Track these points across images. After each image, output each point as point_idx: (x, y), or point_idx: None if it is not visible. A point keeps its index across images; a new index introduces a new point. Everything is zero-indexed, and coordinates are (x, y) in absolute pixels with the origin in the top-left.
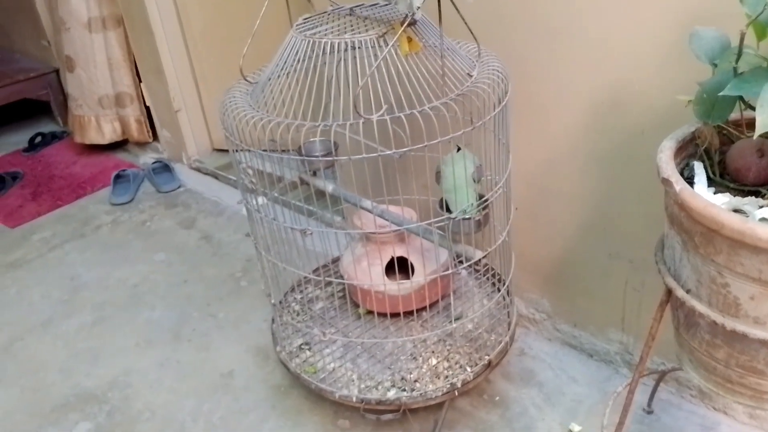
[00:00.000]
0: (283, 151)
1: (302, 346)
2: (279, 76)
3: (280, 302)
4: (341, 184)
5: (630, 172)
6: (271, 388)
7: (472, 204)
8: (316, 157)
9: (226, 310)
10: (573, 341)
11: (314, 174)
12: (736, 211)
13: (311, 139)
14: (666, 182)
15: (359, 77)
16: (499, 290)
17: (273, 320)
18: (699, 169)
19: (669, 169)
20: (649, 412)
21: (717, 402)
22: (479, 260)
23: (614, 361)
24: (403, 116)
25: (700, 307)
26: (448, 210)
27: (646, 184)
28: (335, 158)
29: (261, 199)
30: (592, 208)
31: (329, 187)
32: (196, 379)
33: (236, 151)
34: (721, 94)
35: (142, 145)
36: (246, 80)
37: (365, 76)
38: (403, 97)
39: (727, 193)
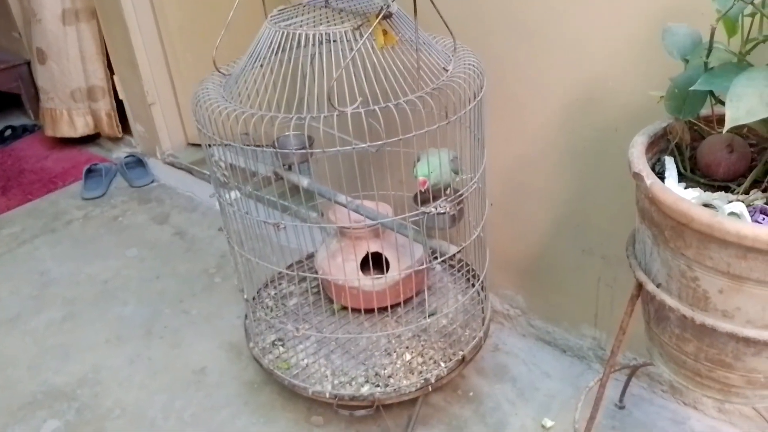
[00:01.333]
0: (257, 145)
1: (275, 342)
2: (253, 68)
3: (254, 298)
4: (316, 178)
5: (604, 168)
6: (243, 384)
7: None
8: (290, 150)
9: (199, 306)
10: (547, 337)
11: (289, 168)
12: (705, 205)
13: (286, 133)
14: (637, 177)
15: (334, 70)
16: (473, 286)
17: (246, 316)
18: (670, 164)
19: (640, 163)
20: (621, 407)
21: (687, 397)
22: (454, 255)
23: (587, 357)
24: (377, 110)
25: (670, 301)
26: (423, 203)
27: (619, 180)
28: (309, 151)
29: (234, 194)
30: (567, 204)
31: (304, 182)
32: (167, 376)
33: (209, 145)
34: (691, 89)
35: (114, 139)
36: (219, 72)
37: (340, 69)
38: (378, 91)
39: (698, 188)
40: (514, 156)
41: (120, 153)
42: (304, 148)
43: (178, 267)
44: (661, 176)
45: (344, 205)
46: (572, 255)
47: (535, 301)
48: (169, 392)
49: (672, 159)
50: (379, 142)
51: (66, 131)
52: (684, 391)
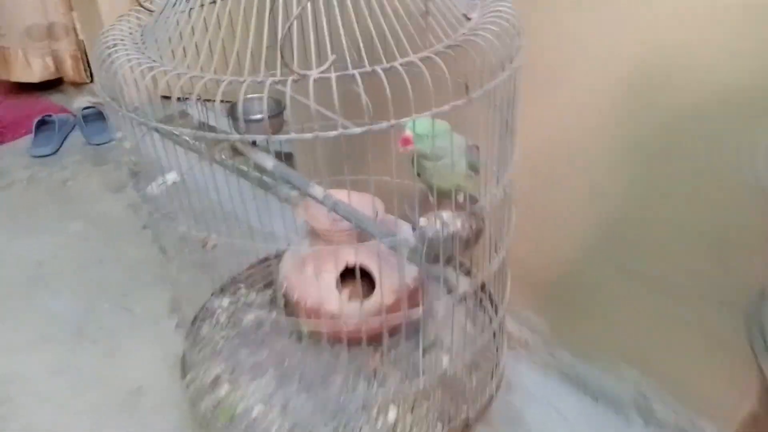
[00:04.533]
0: (207, 100)
1: (220, 376)
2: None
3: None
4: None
5: (678, 167)
6: (186, 415)
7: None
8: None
9: (146, 302)
10: (574, 376)
11: (254, 144)
12: None
13: (249, 96)
14: None
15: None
16: (485, 311)
17: (187, 336)
18: None
19: None
20: None
21: None
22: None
23: (625, 408)
24: (357, 74)
25: None
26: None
27: (703, 185)
28: (270, 138)
29: (172, 176)
30: (615, 210)
31: (269, 164)
32: (95, 394)
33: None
34: None
35: (78, 86)
36: (143, 7)
37: (304, 5)
38: (362, 47)
39: None
40: (544, 142)
41: (83, 103)
42: (277, 115)
43: (127, 250)
44: None
45: (320, 201)
46: (616, 275)
47: (562, 329)
48: (94, 415)
49: None
50: (362, 128)
51: (21, 75)
52: None
